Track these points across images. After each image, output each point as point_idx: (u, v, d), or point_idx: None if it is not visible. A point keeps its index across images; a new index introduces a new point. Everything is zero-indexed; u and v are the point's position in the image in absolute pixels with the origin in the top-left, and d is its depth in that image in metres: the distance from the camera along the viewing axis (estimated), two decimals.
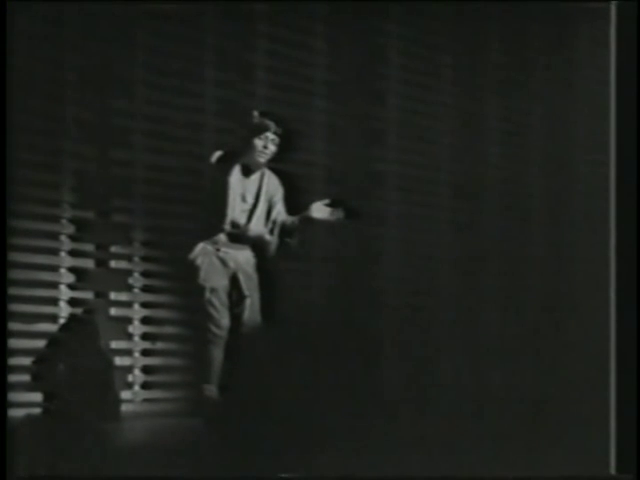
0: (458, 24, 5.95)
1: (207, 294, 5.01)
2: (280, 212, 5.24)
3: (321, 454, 4.64)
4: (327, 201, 5.23)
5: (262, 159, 5.12)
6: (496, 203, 6.12)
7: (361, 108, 5.72)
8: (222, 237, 5.10)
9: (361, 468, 4.59)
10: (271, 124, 5.11)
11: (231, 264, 5.09)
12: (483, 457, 4.51)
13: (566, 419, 5.20)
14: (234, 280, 5.09)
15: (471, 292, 6.00)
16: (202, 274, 5.03)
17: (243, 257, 5.12)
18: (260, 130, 5.12)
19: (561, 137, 6.29)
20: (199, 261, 5.04)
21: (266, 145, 5.11)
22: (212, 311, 5.00)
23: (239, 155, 5.12)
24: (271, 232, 5.21)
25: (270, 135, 5.11)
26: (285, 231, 5.22)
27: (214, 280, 5.03)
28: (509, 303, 6.07)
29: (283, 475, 4.50)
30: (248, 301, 5.09)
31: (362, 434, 4.84)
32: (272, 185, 5.22)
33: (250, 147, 5.11)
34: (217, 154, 5.10)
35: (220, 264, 5.07)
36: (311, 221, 5.24)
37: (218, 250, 5.08)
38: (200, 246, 5.06)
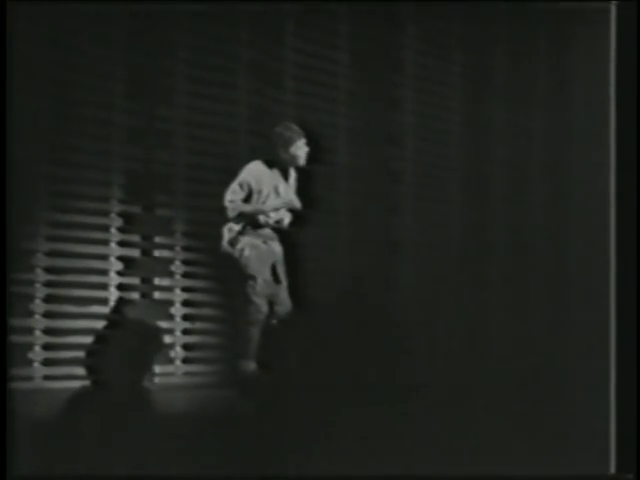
0: (462, 27, 6.22)
1: (252, 283, 5.18)
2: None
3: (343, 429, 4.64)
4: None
5: (296, 163, 5.30)
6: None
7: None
8: (267, 231, 5.31)
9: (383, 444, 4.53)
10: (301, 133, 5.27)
11: (272, 255, 5.32)
12: (483, 457, 4.43)
13: (566, 419, 5.09)
14: (273, 269, 5.32)
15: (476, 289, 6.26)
16: (252, 265, 5.21)
17: (278, 248, 5.36)
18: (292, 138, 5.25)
19: (561, 137, 6.47)
20: (247, 253, 5.22)
21: (298, 152, 5.28)
22: (255, 298, 5.20)
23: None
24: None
25: (300, 143, 5.27)
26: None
27: (262, 271, 5.24)
28: (508, 304, 6.27)
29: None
30: (282, 287, 5.33)
31: (386, 417, 4.81)
32: (295, 181, 5.44)
33: (282, 149, 5.25)
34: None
35: (266, 255, 5.28)
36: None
37: (265, 242, 5.31)
38: (246, 239, 5.25)
